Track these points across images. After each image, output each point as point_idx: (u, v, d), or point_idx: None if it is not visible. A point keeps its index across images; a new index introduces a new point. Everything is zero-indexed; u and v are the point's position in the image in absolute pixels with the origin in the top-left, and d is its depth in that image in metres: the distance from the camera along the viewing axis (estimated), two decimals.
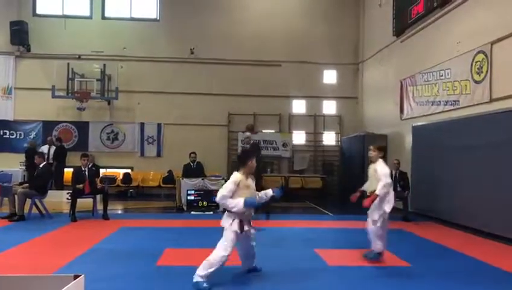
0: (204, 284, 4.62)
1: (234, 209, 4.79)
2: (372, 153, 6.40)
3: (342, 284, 5.12)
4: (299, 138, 16.91)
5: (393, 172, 10.43)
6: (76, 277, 1.87)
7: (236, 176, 4.94)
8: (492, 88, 8.79)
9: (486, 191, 8.43)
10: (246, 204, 4.77)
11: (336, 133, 17.00)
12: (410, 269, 5.84)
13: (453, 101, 10.14)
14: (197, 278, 4.67)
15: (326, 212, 11.93)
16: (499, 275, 5.58)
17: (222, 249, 4.77)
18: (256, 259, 5.37)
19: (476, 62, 9.28)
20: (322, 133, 16.98)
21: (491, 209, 8.23)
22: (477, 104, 9.21)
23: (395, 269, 5.83)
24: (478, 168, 8.72)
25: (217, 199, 4.94)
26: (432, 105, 11.08)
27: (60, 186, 13.49)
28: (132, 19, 16.46)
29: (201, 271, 4.67)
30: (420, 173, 11.07)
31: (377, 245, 6.15)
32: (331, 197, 15.93)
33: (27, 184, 9.65)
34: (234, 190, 4.83)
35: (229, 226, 4.86)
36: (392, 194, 6.15)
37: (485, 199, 8.45)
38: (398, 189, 10.28)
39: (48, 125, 15.78)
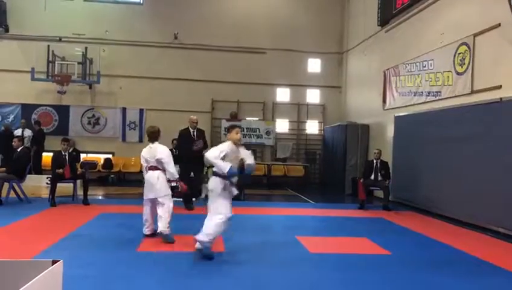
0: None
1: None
2: None
3: (323, 271, 5.16)
4: (282, 126, 16.93)
5: (375, 161, 10.55)
6: (54, 262, 1.83)
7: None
8: (474, 80, 8.89)
9: (465, 181, 8.57)
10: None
11: (319, 122, 17.06)
12: (390, 257, 5.91)
13: (435, 92, 10.23)
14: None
15: (308, 200, 12.00)
16: (475, 263, 5.69)
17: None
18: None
19: (459, 54, 9.36)
20: (305, 122, 17.02)
21: (470, 199, 8.38)
22: (459, 96, 9.32)
23: (375, 257, 5.89)
24: (458, 159, 8.85)
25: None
26: (415, 96, 11.17)
27: (39, 171, 13.27)
28: (115, 2, 16.15)
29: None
30: (401, 162, 11.20)
31: None
32: (313, 185, 16.06)
33: (4, 168, 9.46)
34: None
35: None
36: None
37: (464, 189, 8.60)
38: (379, 178, 10.41)
39: (27, 109, 15.45)
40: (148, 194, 6.39)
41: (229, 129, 5.65)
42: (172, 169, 6.34)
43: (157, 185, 6.30)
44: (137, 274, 4.72)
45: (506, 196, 7.43)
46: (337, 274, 5.03)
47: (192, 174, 9.46)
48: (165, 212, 6.22)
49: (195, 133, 9.40)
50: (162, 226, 6.13)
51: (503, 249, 6.68)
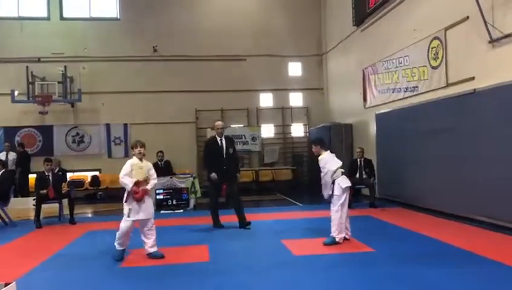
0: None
1: None
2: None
3: (305, 273, 5.18)
4: (267, 131, 17.00)
5: (358, 160, 10.63)
6: (7, 284, 1.85)
7: None
8: (448, 73, 9.02)
9: (448, 173, 8.67)
10: None
11: (303, 125, 17.15)
12: (374, 254, 5.94)
13: (413, 87, 10.35)
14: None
15: (296, 203, 12.04)
16: (459, 254, 5.75)
17: None
18: None
19: (432, 48, 9.49)
20: (290, 125, 17.11)
21: (453, 190, 8.48)
22: (435, 90, 9.44)
23: (358, 255, 5.92)
24: (438, 152, 8.96)
25: None
26: (393, 92, 11.29)
27: (25, 193, 13.16)
28: (92, 19, 16.17)
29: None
30: (385, 159, 11.29)
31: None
32: (301, 187, 16.09)
33: None
34: None
35: None
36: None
37: (446, 181, 8.70)
38: (364, 176, 10.49)
39: (10, 131, 15.34)
40: None
41: None
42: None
43: None
44: None
45: (486, 185, 7.53)
46: (318, 275, 5.06)
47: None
48: None
49: (223, 141, 8.35)
50: None
51: (486, 238, 6.76)
